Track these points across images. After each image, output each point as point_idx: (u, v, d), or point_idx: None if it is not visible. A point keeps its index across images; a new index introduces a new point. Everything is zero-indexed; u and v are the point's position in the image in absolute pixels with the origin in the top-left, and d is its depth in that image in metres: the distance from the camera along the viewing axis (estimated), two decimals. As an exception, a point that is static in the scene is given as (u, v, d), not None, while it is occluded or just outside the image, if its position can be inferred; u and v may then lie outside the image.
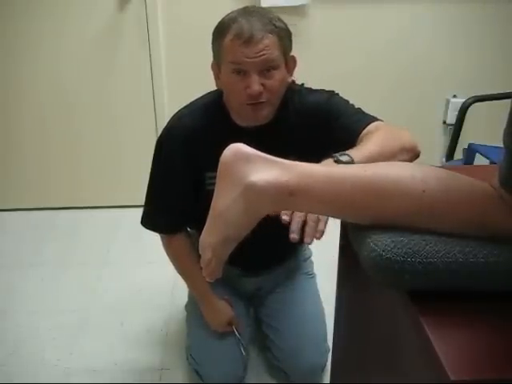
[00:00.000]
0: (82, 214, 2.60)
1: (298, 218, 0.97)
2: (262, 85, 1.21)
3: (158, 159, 1.41)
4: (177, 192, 1.40)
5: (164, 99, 2.45)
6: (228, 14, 1.24)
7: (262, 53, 1.19)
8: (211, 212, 0.86)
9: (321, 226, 0.99)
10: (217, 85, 1.32)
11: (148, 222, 1.47)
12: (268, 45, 1.19)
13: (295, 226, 0.97)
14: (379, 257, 0.73)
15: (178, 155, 1.36)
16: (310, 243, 0.99)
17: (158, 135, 1.41)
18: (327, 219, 1.01)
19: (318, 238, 0.99)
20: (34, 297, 2.03)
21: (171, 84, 2.44)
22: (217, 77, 1.30)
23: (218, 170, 0.83)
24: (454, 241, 0.73)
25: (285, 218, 0.97)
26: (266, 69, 1.21)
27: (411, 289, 0.74)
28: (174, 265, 1.55)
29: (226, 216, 0.83)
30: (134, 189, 2.53)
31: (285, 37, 1.24)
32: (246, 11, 1.23)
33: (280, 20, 1.24)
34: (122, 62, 2.38)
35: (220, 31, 1.23)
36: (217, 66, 1.28)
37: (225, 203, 0.82)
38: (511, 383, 0.62)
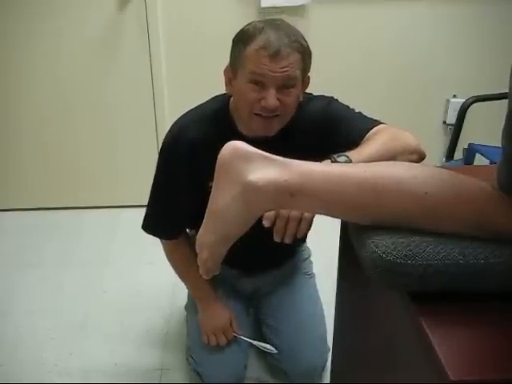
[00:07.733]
0: (82, 214, 2.60)
1: (281, 221, 0.99)
2: (278, 100, 1.20)
3: (160, 168, 1.40)
4: (178, 201, 1.40)
5: (164, 99, 2.45)
6: (251, 23, 1.22)
7: (285, 69, 1.17)
8: (209, 210, 0.85)
9: (302, 226, 1.01)
10: (227, 90, 1.30)
11: (148, 226, 1.48)
12: (292, 62, 1.18)
13: (279, 227, 0.99)
14: (379, 258, 0.73)
15: (181, 166, 1.35)
16: (290, 242, 1.02)
17: (162, 142, 1.39)
18: (312, 219, 1.03)
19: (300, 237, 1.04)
20: (34, 297, 2.03)
21: (171, 84, 2.43)
22: (229, 82, 1.27)
23: (216, 167, 0.83)
24: (455, 242, 0.73)
25: (265, 222, 0.98)
26: (285, 85, 1.20)
27: (411, 290, 0.74)
28: (173, 268, 1.55)
29: (224, 214, 0.83)
30: (134, 189, 2.54)
31: (307, 56, 1.23)
32: (273, 23, 1.20)
33: (304, 39, 1.22)
34: (122, 62, 2.38)
35: (244, 38, 1.20)
36: (232, 72, 1.25)
37: (223, 202, 0.82)
38: (511, 383, 0.62)
